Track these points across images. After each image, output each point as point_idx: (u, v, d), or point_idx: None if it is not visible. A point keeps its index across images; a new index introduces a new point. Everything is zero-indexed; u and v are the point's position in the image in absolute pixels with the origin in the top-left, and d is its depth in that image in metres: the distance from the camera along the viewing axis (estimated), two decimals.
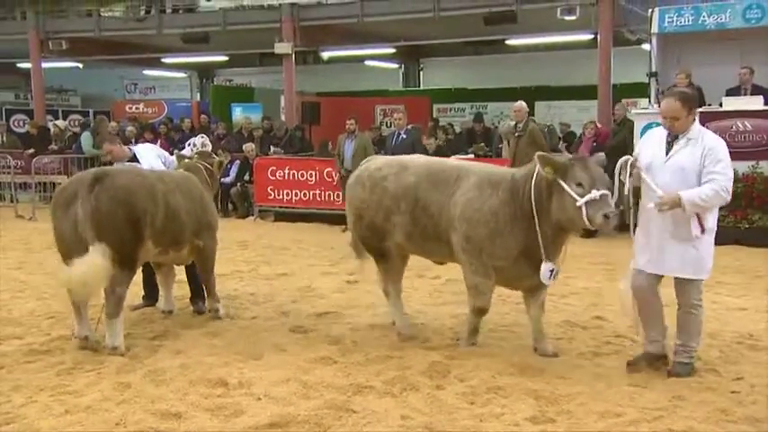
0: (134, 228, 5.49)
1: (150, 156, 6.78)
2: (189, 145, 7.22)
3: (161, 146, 13.24)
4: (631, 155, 4.85)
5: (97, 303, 5.86)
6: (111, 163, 6.69)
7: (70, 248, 5.41)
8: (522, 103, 11.46)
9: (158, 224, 5.67)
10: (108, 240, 5.34)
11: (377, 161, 6.06)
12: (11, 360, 5.32)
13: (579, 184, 4.72)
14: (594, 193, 4.64)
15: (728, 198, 4.56)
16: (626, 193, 4.69)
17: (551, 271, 5.01)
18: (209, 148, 7.22)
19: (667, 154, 4.67)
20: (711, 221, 4.70)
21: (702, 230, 4.62)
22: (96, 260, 5.20)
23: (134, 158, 6.70)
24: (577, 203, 4.68)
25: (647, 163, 4.70)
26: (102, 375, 5.01)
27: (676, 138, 4.66)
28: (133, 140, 14.68)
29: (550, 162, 4.85)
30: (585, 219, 4.68)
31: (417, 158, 5.94)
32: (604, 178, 4.74)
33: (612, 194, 4.67)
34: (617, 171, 4.70)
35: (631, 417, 4.21)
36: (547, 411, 4.33)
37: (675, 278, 4.74)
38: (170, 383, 4.83)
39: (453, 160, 6.17)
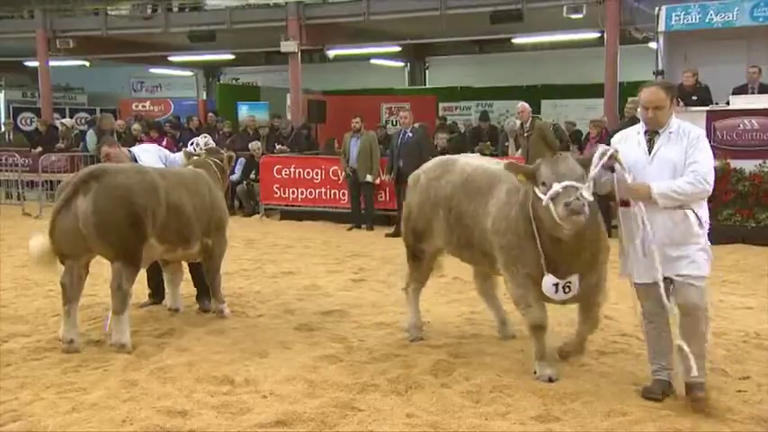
0: (135, 225, 5.47)
1: (150, 157, 6.70)
2: (192, 144, 7.21)
3: (166, 144, 13.35)
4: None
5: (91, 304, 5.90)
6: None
7: (66, 246, 5.44)
8: (524, 104, 11.49)
9: (160, 221, 5.66)
10: (109, 238, 5.38)
11: (427, 164, 5.85)
12: (17, 357, 5.35)
13: (543, 184, 4.37)
14: (556, 186, 4.25)
15: (710, 189, 4.28)
16: (590, 178, 4.30)
17: (555, 285, 4.56)
18: (210, 146, 7.16)
19: (650, 151, 4.40)
20: (705, 215, 4.41)
21: (701, 224, 4.34)
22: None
23: (134, 160, 6.67)
24: (543, 203, 4.31)
25: (629, 164, 4.37)
26: (109, 373, 5.02)
27: (656, 133, 4.40)
28: (138, 138, 14.72)
29: (520, 170, 4.57)
30: (557, 217, 4.26)
31: (460, 163, 5.52)
32: (574, 171, 4.32)
33: (587, 185, 4.26)
34: (594, 160, 4.34)
35: (637, 416, 4.21)
36: (552, 410, 4.32)
37: (682, 284, 4.34)
38: (176, 381, 4.85)
39: (495, 163, 5.68)
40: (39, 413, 4.32)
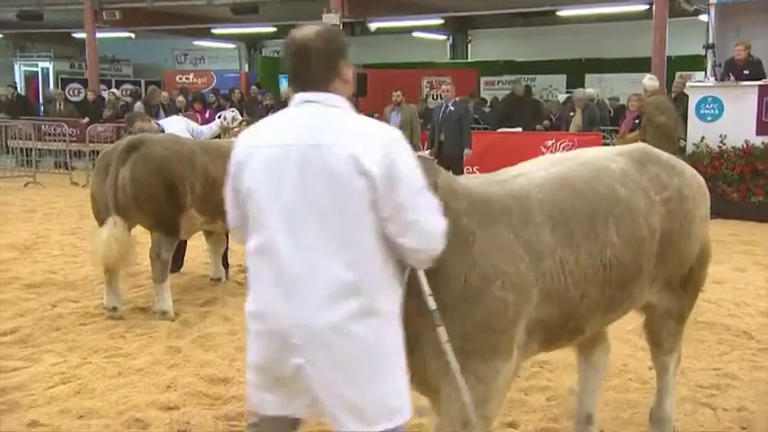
0: (171, 195, 5.58)
1: (177, 127, 6.76)
2: (219, 117, 7.23)
3: (209, 116, 13.44)
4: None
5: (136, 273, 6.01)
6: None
7: (104, 214, 5.56)
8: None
9: (198, 192, 5.74)
10: (145, 207, 5.49)
11: None
12: (66, 322, 5.49)
13: None
14: None
15: None
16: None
17: None
18: (239, 120, 7.16)
19: None
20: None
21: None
22: (113, 233, 5.33)
23: (162, 132, 6.72)
24: None
25: None
26: (153, 339, 5.14)
27: None
28: (182, 110, 14.86)
29: None
30: None
31: None
32: None
33: None
34: None
35: (682, 394, 4.14)
36: None
37: None
38: (218, 349, 4.93)
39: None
40: (86, 376, 4.44)
